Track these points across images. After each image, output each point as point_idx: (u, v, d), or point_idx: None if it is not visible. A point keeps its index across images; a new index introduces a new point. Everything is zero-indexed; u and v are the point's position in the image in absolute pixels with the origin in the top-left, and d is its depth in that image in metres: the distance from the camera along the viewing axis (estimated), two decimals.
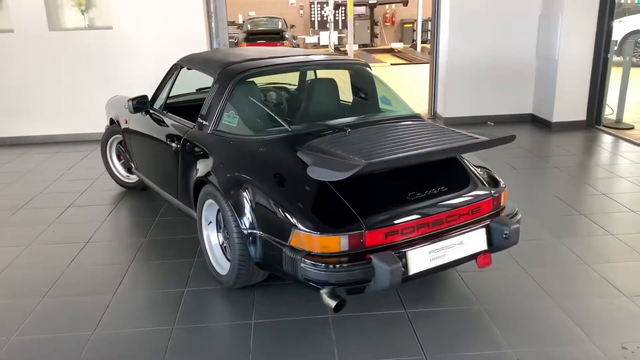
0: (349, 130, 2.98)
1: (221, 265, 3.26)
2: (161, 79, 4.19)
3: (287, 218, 2.65)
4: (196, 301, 3.12)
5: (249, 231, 2.83)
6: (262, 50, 4.00)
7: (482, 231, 2.85)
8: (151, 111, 4.10)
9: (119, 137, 4.86)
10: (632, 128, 6.81)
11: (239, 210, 2.87)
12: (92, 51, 6.75)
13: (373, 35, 20.43)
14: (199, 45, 6.74)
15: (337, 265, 2.52)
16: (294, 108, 3.41)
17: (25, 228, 4.22)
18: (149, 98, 4.16)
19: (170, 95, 4.08)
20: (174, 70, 4.01)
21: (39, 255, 3.78)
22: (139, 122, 4.25)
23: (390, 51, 18.91)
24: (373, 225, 2.58)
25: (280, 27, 16.03)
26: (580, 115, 6.90)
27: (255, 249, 2.84)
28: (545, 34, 6.87)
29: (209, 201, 3.22)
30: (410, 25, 20.41)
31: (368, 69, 3.82)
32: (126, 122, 4.50)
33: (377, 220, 2.61)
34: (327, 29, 19.42)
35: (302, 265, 2.55)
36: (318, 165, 2.65)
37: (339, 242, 2.55)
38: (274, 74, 3.56)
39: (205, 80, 3.70)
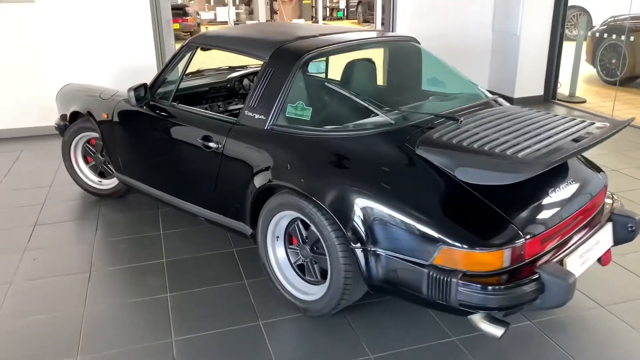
0: (462, 119, 2.54)
1: (300, 288, 2.70)
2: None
3: (427, 232, 2.18)
4: None
5: (365, 248, 2.31)
6: (298, 26, 3.39)
7: (609, 226, 2.59)
8: (158, 104, 3.33)
9: (88, 135, 3.98)
10: (584, 101, 7.04)
11: (346, 224, 2.34)
12: (7, 31, 5.56)
13: (272, 12, 19.75)
14: (141, 20, 5.84)
15: (501, 285, 2.11)
16: (370, 94, 2.88)
17: None
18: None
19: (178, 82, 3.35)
20: (186, 52, 3.27)
21: (30, 298, 2.92)
22: (134, 117, 3.45)
23: None
24: (531, 233, 2.20)
25: (180, 1, 14.87)
26: (539, 90, 7.00)
27: (373, 269, 2.33)
28: (503, 9, 6.82)
29: (283, 213, 2.63)
30: (309, 1, 20.03)
31: (420, 46, 3.38)
32: (106, 117, 3.66)
33: (533, 227, 2.22)
34: (225, 5, 18.41)
35: (460, 288, 2.10)
36: (470, 166, 2.19)
37: (502, 257, 2.13)
38: (342, 53, 2.98)
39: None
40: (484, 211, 2.21)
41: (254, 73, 4.06)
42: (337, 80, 3.08)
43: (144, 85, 3.31)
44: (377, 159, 2.42)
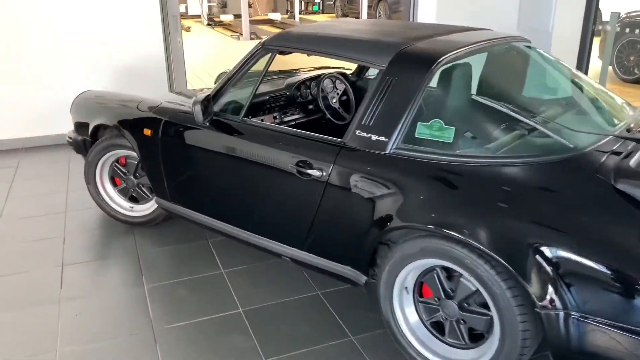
0: None
1: (440, 353, 2.18)
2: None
3: None
4: None
5: (557, 311, 1.81)
6: (397, 24, 2.85)
7: None
8: (223, 119, 2.74)
9: (119, 153, 3.34)
10: None
11: (530, 279, 1.83)
12: None
13: (248, 5, 18.95)
14: (150, 15, 5.16)
15: None
16: (513, 107, 2.34)
17: (23, 312, 2.62)
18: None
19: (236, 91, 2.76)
20: (260, 56, 2.67)
21: None
22: (192, 135, 2.84)
23: (270, 22, 17.67)
24: None
25: None
26: None
27: (568, 337, 1.82)
28: (532, 6, 6.44)
29: (423, 262, 2.10)
30: None
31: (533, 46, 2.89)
32: (149, 133, 3.03)
33: None
34: None
35: None
36: None
37: None
38: (473, 55, 2.43)
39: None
40: None
41: (313, 78, 3.49)
42: (434, 88, 2.53)
43: (208, 97, 2.71)
44: (566, 195, 1.91)
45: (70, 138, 3.69)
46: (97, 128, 3.40)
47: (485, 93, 2.46)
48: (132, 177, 3.37)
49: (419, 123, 2.18)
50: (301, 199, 2.43)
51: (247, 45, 12.77)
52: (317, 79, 3.47)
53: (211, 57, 10.51)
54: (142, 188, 3.39)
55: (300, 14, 19.03)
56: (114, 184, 3.49)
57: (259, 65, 2.70)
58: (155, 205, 3.35)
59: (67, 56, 4.99)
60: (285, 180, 2.47)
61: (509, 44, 2.73)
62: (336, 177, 2.30)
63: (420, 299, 2.22)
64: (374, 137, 2.24)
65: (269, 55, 2.65)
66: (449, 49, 2.28)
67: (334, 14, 19.38)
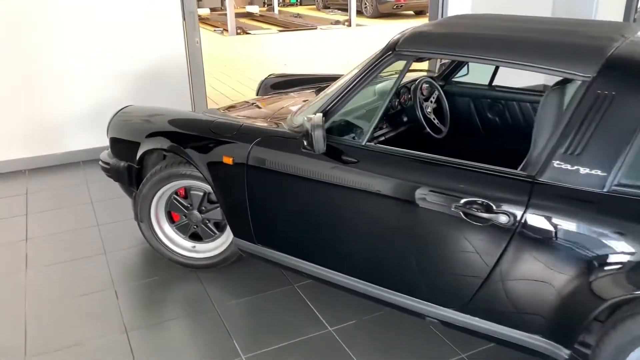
0: None
1: None
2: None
3: None
4: None
5: None
6: (559, 21, 2.30)
7: None
8: (336, 144, 2.16)
9: (180, 184, 2.72)
10: None
11: None
12: None
13: None
14: (169, 13, 4.51)
15: None
16: None
17: None
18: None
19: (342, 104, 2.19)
20: (389, 63, 2.10)
21: None
22: (297, 164, 2.25)
23: (249, 15, 16.91)
24: None
25: None
26: None
27: None
28: None
29: None
30: None
31: None
32: (231, 162, 2.42)
33: None
34: None
35: None
36: None
37: None
38: None
39: None
40: None
41: (406, 86, 2.93)
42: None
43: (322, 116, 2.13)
44: None
45: (105, 163, 3.04)
46: (141, 156, 2.78)
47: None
48: (196, 211, 2.76)
49: None
50: (470, 249, 1.89)
51: (236, 41, 12.12)
52: (407, 84, 2.92)
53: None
54: (208, 224, 2.78)
55: (278, 6, 18.36)
56: (171, 220, 2.87)
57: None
58: (225, 244, 2.77)
59: (74, 60, 4.29)
60: (442, 224, 1.92)
61: None
62: (530, 224, 1.76)
63: None
64: (585, 171, 1.71)
65: (400, 62, 2.08)
66: None
67: (313, 6, 18.76)
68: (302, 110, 2.50)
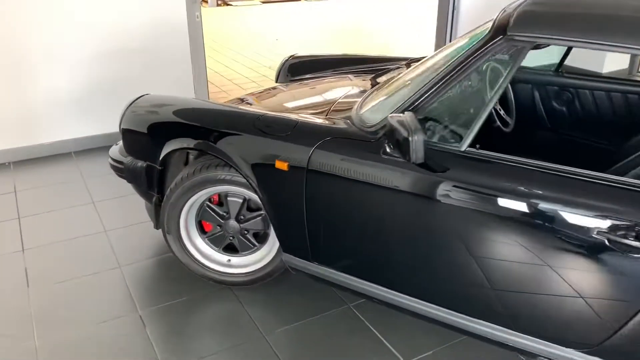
0: None
1: None
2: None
3: None
4: None
5: None
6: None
7: None
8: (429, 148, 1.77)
9: (215, 190, 2.29)
10: None
11: None
12: None
13: None
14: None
15: None
16: None
17: None
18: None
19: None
20: (499, 50, 1.70)
21: None
22: (371, 170, 1.85)
23: None
24: None
25: None
26: (624, 64, 6.04)
27: None
28: None
29: None
30: None
31: None
32: (286, 167, 2.01)
33: None
34: None
35: None
36: None
37: None
38: None
39: None
40: None
41: None
42: None
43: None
44: None
45: (117, 162, 2.60)
46: (166, 154, 2.34)
47: None
48: (233, 220, 2.34)
49: None
50: (612, 282, 1.54)
51: (217, 13, 11.45)
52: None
53: None
54: (247, 234, 2.38)
55: None
56: (202, 230, 2.45)
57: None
58: (267, 257, 2.38)
59: (58, 38, 3.76)
60: (578, 253, 1.56)
61: None
62: None
63: None
64: None
65: (512, 53, 1.69)
66: None
67: None
68: (366, 104, 2.10)
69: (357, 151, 1.89)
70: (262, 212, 2.31)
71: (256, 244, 2.40)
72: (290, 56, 3.40)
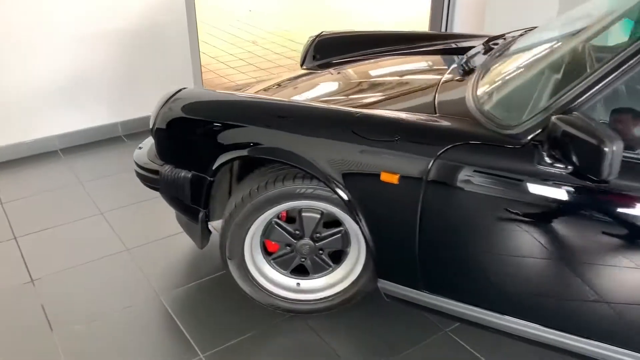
0: None
1: None
2: None
3: None
4: None
5: None
6: None
7: None
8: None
9: (285, 206, 1.89)
10: None
11: None
12: None
13: None
14: None
15: None
16: None
17: None
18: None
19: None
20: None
21: None
22: (524, 181, 1.50)
23: None
24: None
25: None
26: None
27: None
28: None
29: None
30: None
31: None
32: (397, 180, 1.63)
33: None
34: None
35: None
36: None
37: None
38: None
39: None
40: None
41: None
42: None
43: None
44: None
45: (149, 171, 2.14)
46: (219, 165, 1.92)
47: None
48: (308, 239, 1.95)
49: None
50: None
51: None
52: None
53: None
54: (322, 254, 2.00)
55: None
56: (265, 251, 2.04)
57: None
58: (347, 281, 2.01)
59: (37, 17, 3.17)
60: None
61: None
62: None
63: None
64: None
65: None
66: None
67: None
68: (488, 99, 1.73)
69: (498, 160, 1.53)
70: (341, 228, 1.94)
71: (331, 264, 2.02)
72: (320, 33, 2.96)
